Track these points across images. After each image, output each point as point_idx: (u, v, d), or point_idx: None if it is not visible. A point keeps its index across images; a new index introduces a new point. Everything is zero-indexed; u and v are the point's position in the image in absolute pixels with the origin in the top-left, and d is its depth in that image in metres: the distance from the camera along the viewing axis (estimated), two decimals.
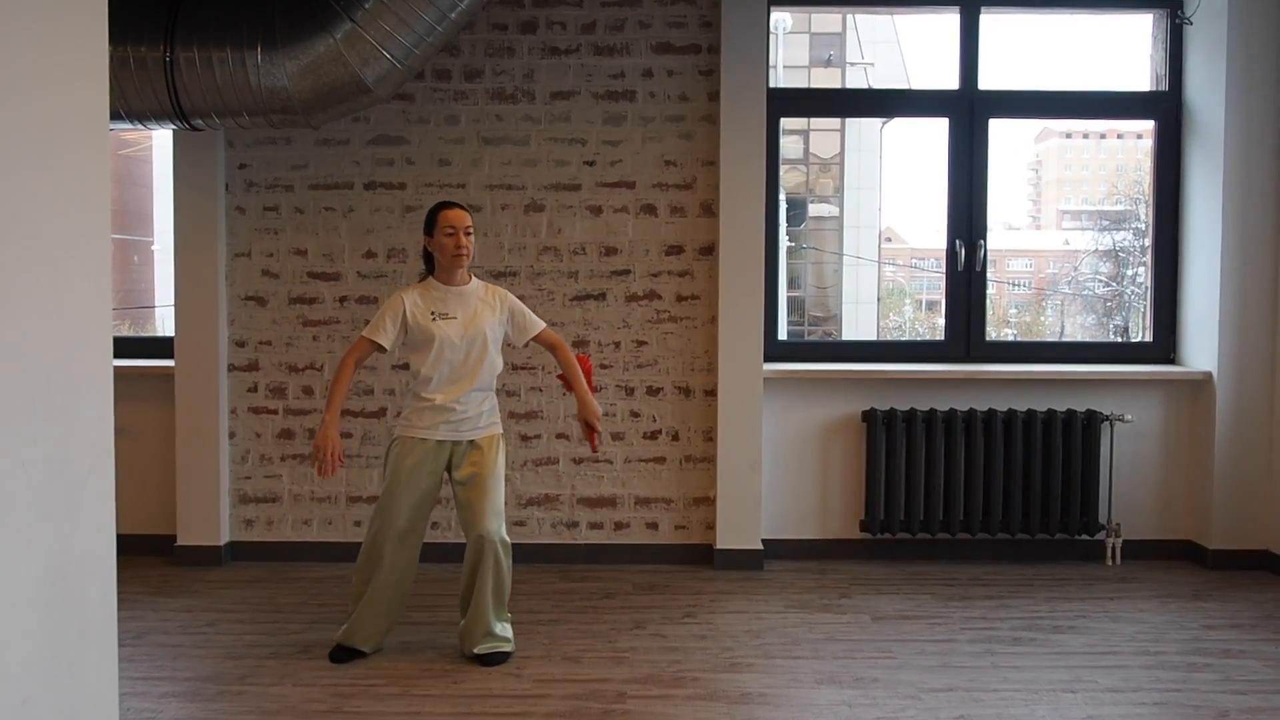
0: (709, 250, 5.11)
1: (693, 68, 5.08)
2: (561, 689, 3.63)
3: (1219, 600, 4.60)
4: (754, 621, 4.32)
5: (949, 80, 5.33)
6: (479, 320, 3.86)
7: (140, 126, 4.48)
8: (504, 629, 3.90)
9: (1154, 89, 5.38)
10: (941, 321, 5.46)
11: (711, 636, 4.15)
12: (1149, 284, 5.44)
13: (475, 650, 3.84)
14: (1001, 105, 5.33)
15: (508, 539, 3.86)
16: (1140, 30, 5.46)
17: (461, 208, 3.90)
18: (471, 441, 3.89)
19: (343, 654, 3.91)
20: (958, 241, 5.29)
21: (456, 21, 4.30)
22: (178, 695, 3.59)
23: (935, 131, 5.37)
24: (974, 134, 5.28)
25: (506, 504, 5.08)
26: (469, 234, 3.85)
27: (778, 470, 5.17)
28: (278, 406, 5.17)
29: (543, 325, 3.99)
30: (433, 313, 3.83)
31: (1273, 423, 5.02)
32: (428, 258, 3.96)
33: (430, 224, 3.89)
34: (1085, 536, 5.14)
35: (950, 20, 5.31)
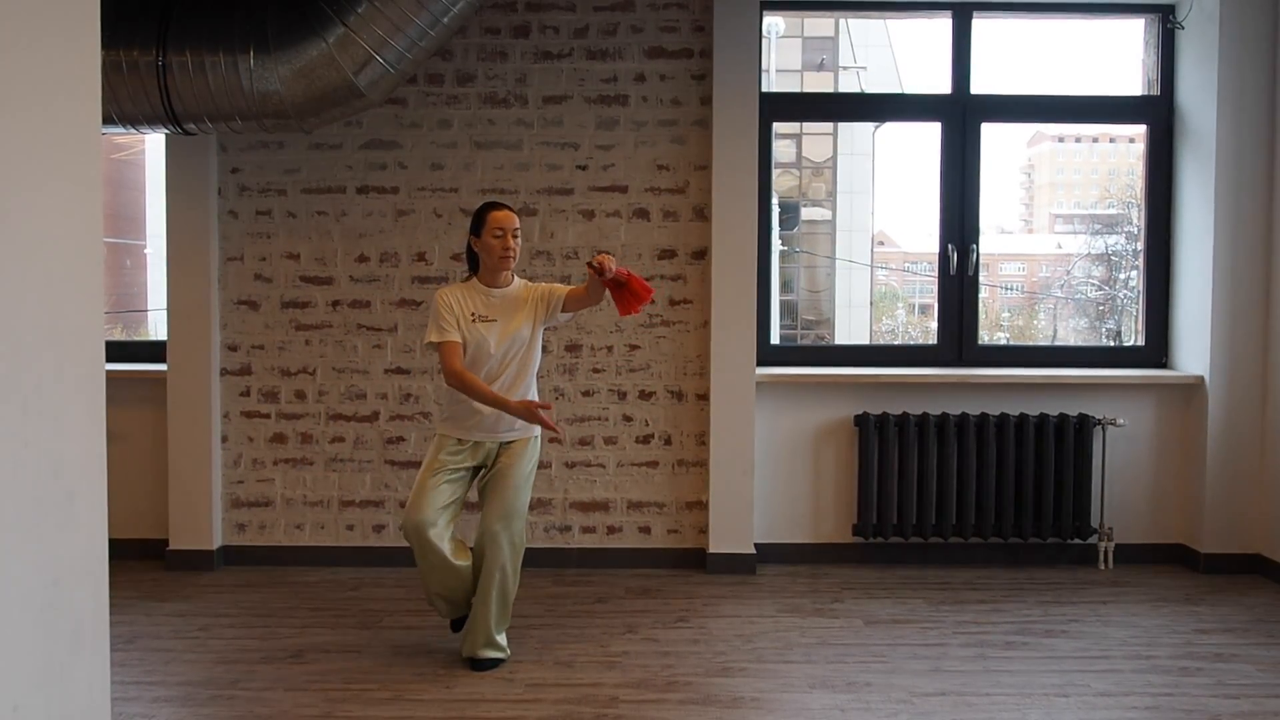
0: (701, 254, 5.11)
1: (685, 72, 5.09)
2: (554, 694, 3.62)
3: (1211, 604, 4.61)
4: (746, 626, 4.32)
5: (941, 85, 5.35)
6: (517, 323, 3.83)
7: (132, 130, 4.48)
8: (503, 638, 3.90)
9: (1146, 93, 5.40)
10: (934, 325, 5.47)
11: (704, 641, 4.15)
12: (1141, 288, 5.45)
13: (474, 655, 3.84)
14: (993, 109, 5.34)
15: (519, 544, 3.84)
16: (1132, 35, 5.48)
17: (510, 209, 3.86)
18: (505, 443, 3.87)
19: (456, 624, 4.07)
20: (950, 245, 5.31)
21: (449, 26, 4.31)
22: (170, 700, 3.58)
23: (928, 136, 5.39)
24: (966, 138, 5.29)
25: None
26: (517, 236, 3.83)
27: (770, 474, 5.18)
28: (270, 410, 5.17)
29: (565, 289, 3.89)
30: (473, 314, 3.80)
31: (1264, 426, 5.03)
32: (471, 258, 3.93)
33: (478, 224, 3.84)
34: (1077, 540, 5.15)
35: (942, 25, 5.33)
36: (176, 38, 4.23)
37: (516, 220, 3.84)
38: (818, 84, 10.61)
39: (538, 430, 3.94)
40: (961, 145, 5.30)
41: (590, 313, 5.09)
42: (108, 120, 4.32)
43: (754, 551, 5.07)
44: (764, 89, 5.16)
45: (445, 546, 3.81)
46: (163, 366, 5.15)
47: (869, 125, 9.35)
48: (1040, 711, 3.49)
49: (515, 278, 3.92)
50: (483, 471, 3.91)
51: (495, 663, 3.85)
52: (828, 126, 10.47)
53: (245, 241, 5.14)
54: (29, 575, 2.18)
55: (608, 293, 3.81)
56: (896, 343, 10.11)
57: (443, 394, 4.04)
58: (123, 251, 9.31)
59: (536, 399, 3.92)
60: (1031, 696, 3.61)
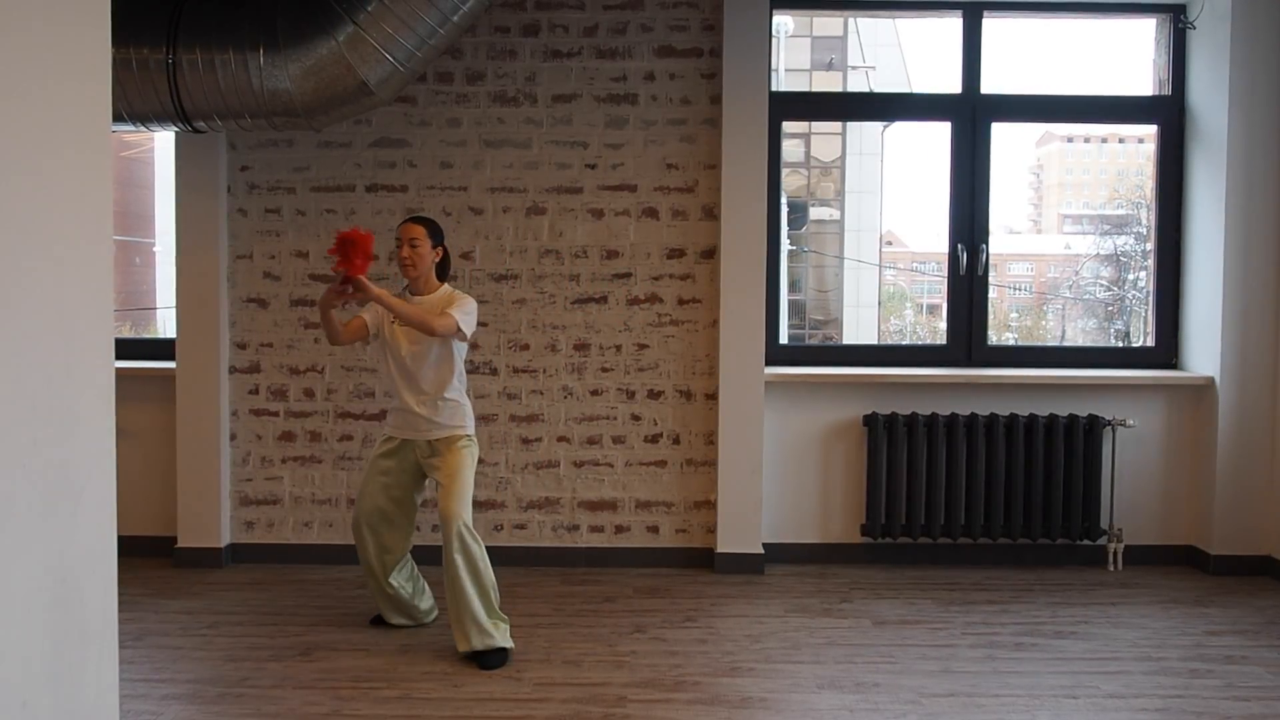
0: (710, 253, 5.11)
1: (695, 71, 5.08)
2: (562, 693, 3.62)
3: (1221, 606, 4.59)
4: (755, 626, 4.32)
5: (951, 84, 5.33)
6: None
7: (142, 128, 4.48)
8: (494, 624, 3.88)
9: (1156, 93, 5.38)
10: (943, 325, 5.46)
11: (712, 641, 4.14)
12: (1151, 288, 5.44)
13: (469, 649, 3.85)
14: (1003, 109, 5.33)
15: (471, 528, 3.87)
16: (1143, 34, 5.46)
17: (417, 221, 4.01)
18: (432, 442, 4.00)
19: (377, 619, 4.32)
20: (959, 245, 5.29)
21: (459, 24, 4.30)
22: (178, 697, 3.58)
23: (937, 135, 5.38)
24: (975, 138, 5.28)
25: (507, 507, 5.11)
26: (413, 245, 3.97)
27: (779, 474, 5.17)
28: (279, 409, 5.17)
29: (447, 313, 3.87)
30: (393, 319, 3.95)
31: (1275, 428, 5.01)
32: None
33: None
34: (1087, 541, 5.13)
35: (952, 24, 5.32)
36: (186, 35, 4.24)
37: (414, 230, 3.98)
38: (826, 83, 10.58)
39: (469, 428, 4.04)
40: (971, 145, 5.28)
41: (599, 311, 5.09)
42: (118, 118, 4.33)
43: (762, 551, 5.06)
44: (773, 88, 5.16)
45: (372, 544, 4.11)
46: (171, 364, 5.16)
47: (878, 125, 9.33)
48: (1049, 713, 3.48)
49: (445, 286, 4.05)
50: (426, 472, 4.06)
51: (499, 655, 3.85)
52: (836, 126, 10.43)
53: (254, 239, 5.14)
54: (38, 572, 2.19)
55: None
56: (905, 343, 10.09)
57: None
58: (132, 249, 9.33)
59: (462, 401, 4.03)
60: (1040, 698, 3.60)
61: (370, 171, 5.12)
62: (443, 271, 4.10)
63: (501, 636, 3.88)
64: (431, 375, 3.97)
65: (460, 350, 4.02)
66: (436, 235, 4.02)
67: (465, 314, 3.90)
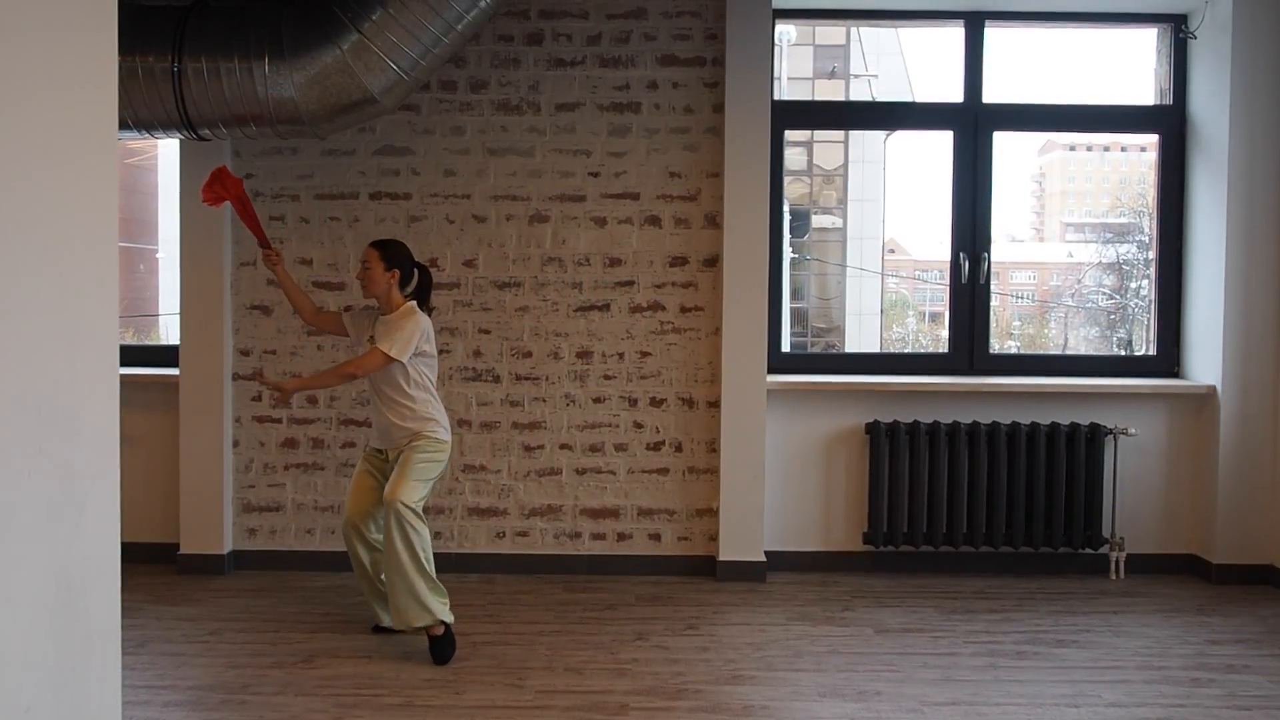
0: (713, 261, 5.12)
1: (697, 80, 5.09)
2: (564, 700, 3.62)
3: (1223, 615, 4.59)
4: (756, 634, 4.32)
5: (953, 93, 5.34)
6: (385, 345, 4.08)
7: (147, 135, 4.50)
8: (435, 599, 3.94)
9: (1158, 103, 5.39)
10: (945, 333, 5.46)
11: (714, 648, 4.14)
12: (1153, 297, 5.44)
13: (408, 624, 3.93)
14: (1005, 118, 5.34)
15: (412, 507, 3.91)
16: (1145, 44, 5.47)
17: (374, 244, 4.16)
18: (401, 448, 4.09)
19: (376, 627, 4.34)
20: (961, 254, 5.30)
21: (463, 33, 4.32)
22: (181, 704, 3.59)
23: (939, 144, 5.39)
24: (978, 146, 5.29)
25: (509, 514, 5.11)
26: (365, 267, 4.11)
27: (781, 482, 5.17)
28: (281, 416, 5.18)
29: (373, 348, 4.02)
30: (370, 337, 4.11)
31: (1277, 437, 5.01)
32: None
33: None
34: (1089, 550, 5.13)
35: (954, 33, 5.33)
36: (192, 44, 4.26)
37: (367, 253, 4.12)
38: (829, 92, 10.60)
39: (431, 431, 4.08)
40: (973, 153, 5.29)
41: (602, 319, 5.10)
42: (123, 125, 4.34)
43: (764, 559, 5.06)
44: (775, 97, 5.17)
45: (360, 545, 4.19)
46: (175, 371, 5.17)
47: (880, 133, 9.34)
48: None
49: (408, 306, 4.12)
50: None
51: (449, 645, 3.96)
52: (839, 134, 10.45)
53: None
54: (42, 578, 2.19)
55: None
56: (908, 351, 10.09)
57: None
58: (136, 256, 9.34)
59: (424, 412, 4.07)
60: (1042, 707, 3.60)
61: (374, 179, 5.13)
62: (422, 293, 4.21)
63: (442, 610, 3.95)
64: (385, 384, 4.07)
65: (416, 360, 4.07)
66: (392, 258, 4.11)
67: (391, 341, 4.00)
